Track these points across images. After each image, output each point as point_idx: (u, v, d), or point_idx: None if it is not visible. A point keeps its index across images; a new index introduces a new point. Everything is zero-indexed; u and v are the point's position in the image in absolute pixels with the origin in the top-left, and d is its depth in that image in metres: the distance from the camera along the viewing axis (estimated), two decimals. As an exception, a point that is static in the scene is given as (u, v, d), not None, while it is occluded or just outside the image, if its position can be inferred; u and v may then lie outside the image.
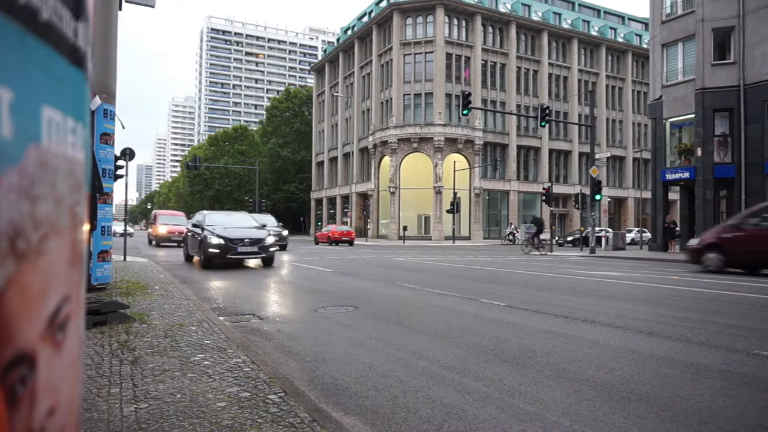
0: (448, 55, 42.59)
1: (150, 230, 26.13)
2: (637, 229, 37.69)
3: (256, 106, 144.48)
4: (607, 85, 50.93)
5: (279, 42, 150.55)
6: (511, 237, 37.56)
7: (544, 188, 29.87)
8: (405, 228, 37.73)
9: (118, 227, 42.80)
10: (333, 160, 55.41)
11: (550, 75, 47.71)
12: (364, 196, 47.19)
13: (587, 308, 6.51)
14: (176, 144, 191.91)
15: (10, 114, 0.38)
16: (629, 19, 57.46)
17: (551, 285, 9.24)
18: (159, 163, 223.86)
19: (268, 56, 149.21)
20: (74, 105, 0.47)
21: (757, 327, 5.38)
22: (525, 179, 46.35)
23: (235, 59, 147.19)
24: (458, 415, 2.87)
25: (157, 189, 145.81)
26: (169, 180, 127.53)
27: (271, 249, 12.85)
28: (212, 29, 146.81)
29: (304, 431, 2.46)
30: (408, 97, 43.16)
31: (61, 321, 0.46)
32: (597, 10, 55.63)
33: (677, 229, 22.22)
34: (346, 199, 50.17)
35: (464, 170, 39.96)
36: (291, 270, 12.28)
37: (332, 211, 55.06)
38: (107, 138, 7.23)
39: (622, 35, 53.39)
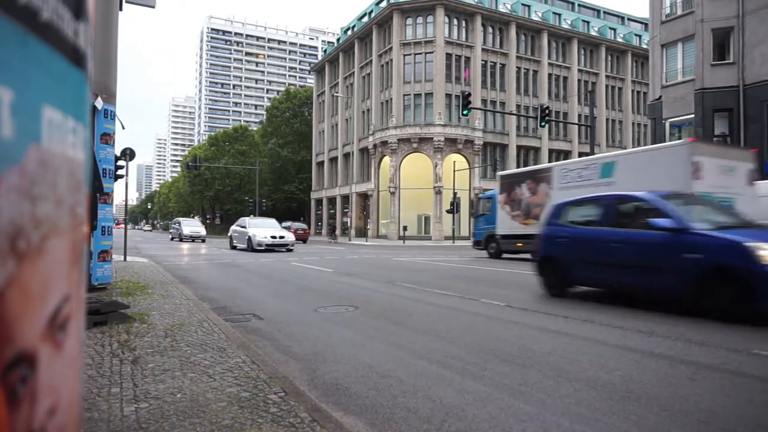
0: (448, 56, 42.58)
1: None
2: (637, 229, 37.56)
3: (256, 106, 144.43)
4: (606, 86, 50.95)
5: (279, 42, 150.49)
6: None
7: (544, 188, 29.78)
8: (405, 228, 37.72)
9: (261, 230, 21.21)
10: (333, 160, 55.41)
11: (549, 75, 47.71)
12: (364, 196, 47.18)
13: (587, 308, 6.51)
14: (176, 144, 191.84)
15: (10, 114, 0.38)
16: (629, 19, 57.47)
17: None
18: (159, 163, 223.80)
19: (268, 56, 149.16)
20: (74, 105, 0.47)
21: (757, 326, 5.38)
22: (525, 179, 46.28)
23: (235, 59, 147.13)
24: (458, 415, 2.87)
25: (158, 189, 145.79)
26: (169, 180, 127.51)
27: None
28: (212, 29, 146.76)
29: (304, 431, 2.46)
30: (408, 98, 43.15)
31: (62, 321, 0.46)
32: (597, 11, 55.65)
33: None
34: (346, 199, 50.17)
35: (464, 170, 39.96)
36: (291, 270, 12.27)
37: (332, 211, 55.08)
38: (107, 138, 7.24)
39: (621, 35, 53.42)
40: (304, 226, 36.90)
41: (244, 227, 22.15)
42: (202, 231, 33.91)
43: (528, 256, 17.61)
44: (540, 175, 16.72)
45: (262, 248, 20.35)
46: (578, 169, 15.13)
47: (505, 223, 17.73)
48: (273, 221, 24.05)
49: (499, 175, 19.06)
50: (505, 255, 18.27)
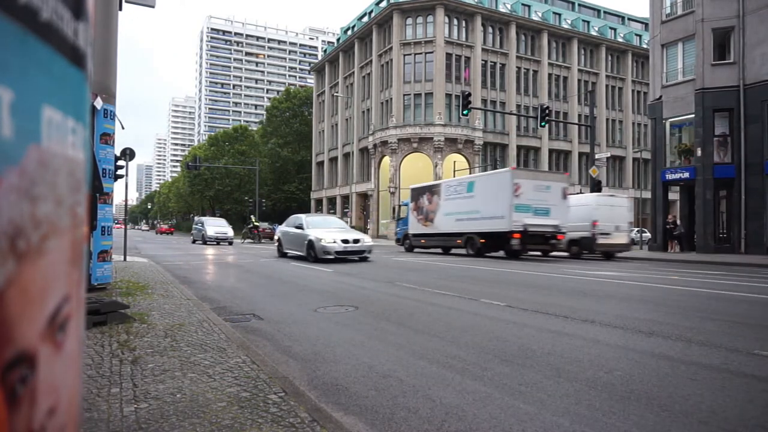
0: (448, 55, 42.59)
1: None
2: (637, 229, 37.71)
3: (256, 106, 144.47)
4: (607, 85, 50.95)
5: (279, 42, 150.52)
6: None
7: (544, 188, 29.83)
8: (405, 228, 37.72)
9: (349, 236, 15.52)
10: (333, 160, 55.42)
11: (550, 75, 47.71)
12: (364, 196, 47.19)
13: (587, 308, 6.51)
14: (176, 144, 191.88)
15: (10, 114, 0.38)
16: (629, 19, 57.48)
17: (551, 285, 9.24)
18: (159, 163, 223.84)
19: (268, 56, 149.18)
20: (74, 105, 0.47)
21: (757, 326, 5.38)
22: (525, 179, 46.30)
23: (235, 59, 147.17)
24: (458, 415, 2.87)
25: (157, 189, 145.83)
26: (169, 180, 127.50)
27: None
28: (212, 29, 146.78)
29: (304, 431, 2.46)
30: (408, 97, 43.16)
31: (61, 321, 0.46)
32: (597, 10, 55.65)
33: (676, 230, 22.19)
34: (346, 199, 50.19)
35: (464, 170, 39.96)
36: (291, 270, 12.27)
37: (332, 211, 55.10)
38: (107, 138, 7.24)
39: (622, 35, 53.41)
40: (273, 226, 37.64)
41: (300, 228, 16.02)
42: (230, 232, 30.22)
43: (436, 250, 22.04)
44: (434, 189, 21.25)
45: (331, 257, 14.48)
46: (455, 185, 20.04)
47: (414, 225, 22.44)
48: (336, 219, 18.82)
49: (411, 188, 23.90)
50: (416, 249, 22.75)
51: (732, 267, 14.65)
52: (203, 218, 32.82)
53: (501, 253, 18.37)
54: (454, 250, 21.03)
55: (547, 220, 17.06)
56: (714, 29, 20.63)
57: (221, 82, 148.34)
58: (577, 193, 24.13)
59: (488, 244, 17.83)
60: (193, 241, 31.36)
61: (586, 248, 18.19)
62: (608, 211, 18.10)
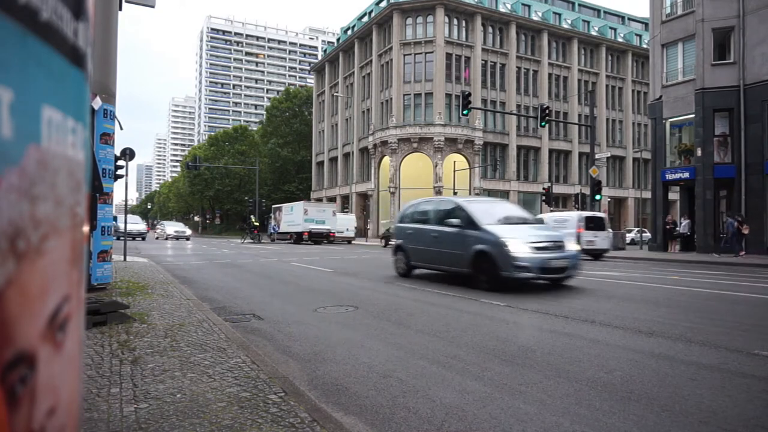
0: (448, 55, 42.57)
1: None
2: (637, 229, 37.80)
3: (256, 106, 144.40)
4: (607, 85, 50.91)
5: (279, 42, 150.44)
6: None
7: (544, 188, 29.90)
8: (405, 228, 37.95)
9: None
10: (333, 160, 55.40)
11: (550, 75, 47.69)
12: (364, 196, 47.18)
13: (587, 308, 6.51)
14: (176, 144, 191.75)
15: (10, 114, 0.38)
16: (629, 19, 57.45)
17: (551, 285, 9.23)
18: (159, 163, 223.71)
19: (268, 56, 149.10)
20: (74, 105, 0.47)
21: (757, 326, 5.38)
22: (525, 179, 46.34)
23: (235, 59, 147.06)
24: (458, 415, 2.87)
25: (157, 189, 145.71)
26: (169, 180, 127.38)
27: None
28: (212, 29, 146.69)
29: (304, 431, 2.46)
30: (408, 97, 43.14)
31: (61, 321, 0.46)
32: (597, 10, 55.62)
33: (677, 229, 22.18)
34: (346, 199, 50.19)
35: (464, 170, 39.96)
36: (291, 270, 12.27)
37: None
38: (107, 138, 7.23)
39: (622, 35, 53.39)
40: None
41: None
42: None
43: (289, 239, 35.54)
44: (282, 208, 38.23)
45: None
46: (287, 207, 36.97)
47: (276, 228, 38.95)
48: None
49: (273, 207, 41.80)
50: (277, 240, 38.32)
51: (732, 267, 14.65)
52: (465, 201, 9.86)
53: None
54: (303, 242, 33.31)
55: (323, 227, 33.48)
56: (714, 29, 20.62)
57: (221, 82, 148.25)
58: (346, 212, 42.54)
59: (298, 239, 34.05)
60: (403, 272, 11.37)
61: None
62: (344, 221, 36.59)
